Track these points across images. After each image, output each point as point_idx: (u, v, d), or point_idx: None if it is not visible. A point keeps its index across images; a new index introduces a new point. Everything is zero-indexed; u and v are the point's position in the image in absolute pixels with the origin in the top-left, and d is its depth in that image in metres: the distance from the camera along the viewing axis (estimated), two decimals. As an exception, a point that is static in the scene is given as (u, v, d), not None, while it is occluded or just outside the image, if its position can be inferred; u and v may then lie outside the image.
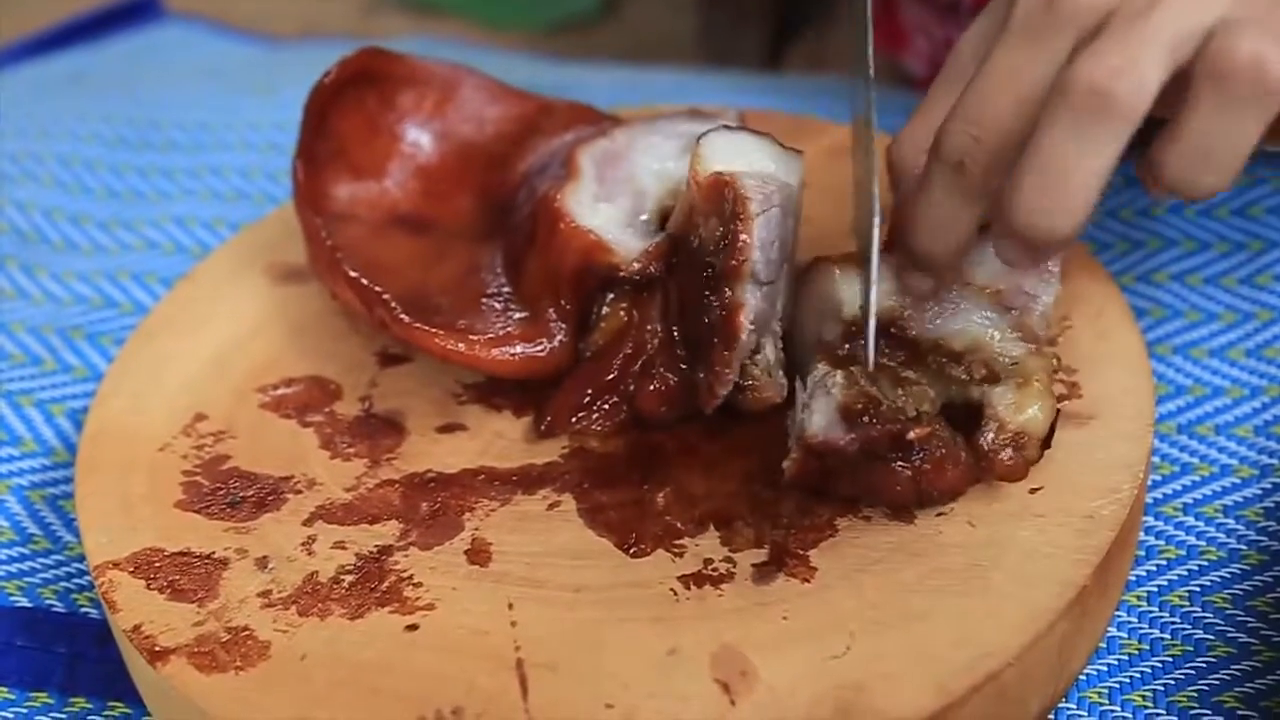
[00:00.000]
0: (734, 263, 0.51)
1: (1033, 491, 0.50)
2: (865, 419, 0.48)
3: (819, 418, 0.49)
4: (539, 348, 0.55)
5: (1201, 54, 0.44)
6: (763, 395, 0.52)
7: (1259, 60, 0.43)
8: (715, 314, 0.51)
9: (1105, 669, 0.51)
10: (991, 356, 0.50)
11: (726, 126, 0.53)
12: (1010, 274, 0.51)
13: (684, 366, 0.53)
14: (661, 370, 0.54)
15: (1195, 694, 0.50)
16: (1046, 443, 0.49)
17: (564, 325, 0.55)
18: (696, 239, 0.52)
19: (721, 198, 0.51)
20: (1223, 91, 0.44)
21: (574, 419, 0.54)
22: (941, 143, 0.47)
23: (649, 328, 0.54)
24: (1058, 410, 0.49)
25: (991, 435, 0.49)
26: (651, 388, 0.53)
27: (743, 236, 0.51)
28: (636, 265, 0.53)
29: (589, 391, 0.54)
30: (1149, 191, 0.49)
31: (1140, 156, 0.47)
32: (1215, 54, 0.44)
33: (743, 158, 0.52)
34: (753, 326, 0.51)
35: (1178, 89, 0.45)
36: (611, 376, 0.54)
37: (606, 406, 0.54)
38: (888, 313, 0.51)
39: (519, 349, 0.55)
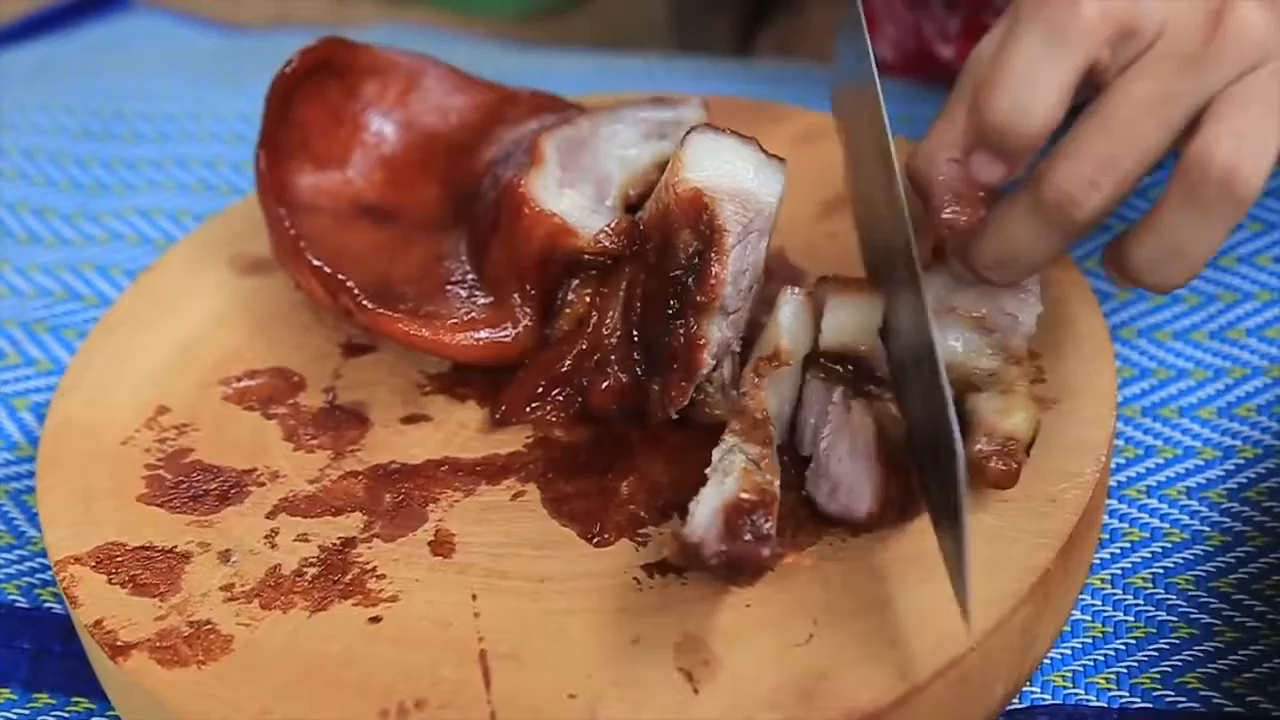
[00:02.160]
0: (703, 298, 0.51)
1: (995, 476, 0.50)
2: (744, 529, 0.45)
3: (704, 512, 0.45)
4: (504, 333, 0.55)
5: (1181, 159, 0.46)
6: (714, 412, 0.52)
7: (1231, 171, 0.45)
8: (678, 339, 0.51)
9: (1069, 652, 0.51)
10: (968, 372, 0.50)
11: (712, 128, 0.52)
12: (991, 297, 0.51)
13: (638, 370, 0.53)
14: (615, 369, 0.53)
15: (1159, 675, 0.50)
16: (1028, 450, 0.49)
17: (529, 310, 0.55)
18: (667, 243, 0.52)
19: (698, 219, 0.51)
20: (1195, 196, 0.46)
21: (528, 408, 0.54)
22: (1054, 183, 0.47)
23: (607, 323, 0.54)
24: (1039, 421, 0.49)
25: (982, 443, 0.48)
26: (604, 385, 0.53)
27: (715, 269, 0.50)
28: (598, 243, 0.53)
29: (543, 382, 0.54)
30: (1115, 282, 0.51)
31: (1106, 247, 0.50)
32: (1192, 159, 0.46)
33: (724, 166, 0.51)
34: (714, 361, 0.51)
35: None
36: (565, 369, 0.54)
37: (560, 398, 0.54)
38: (850, 350, 0.50)
39: (484, 334, 0.54)
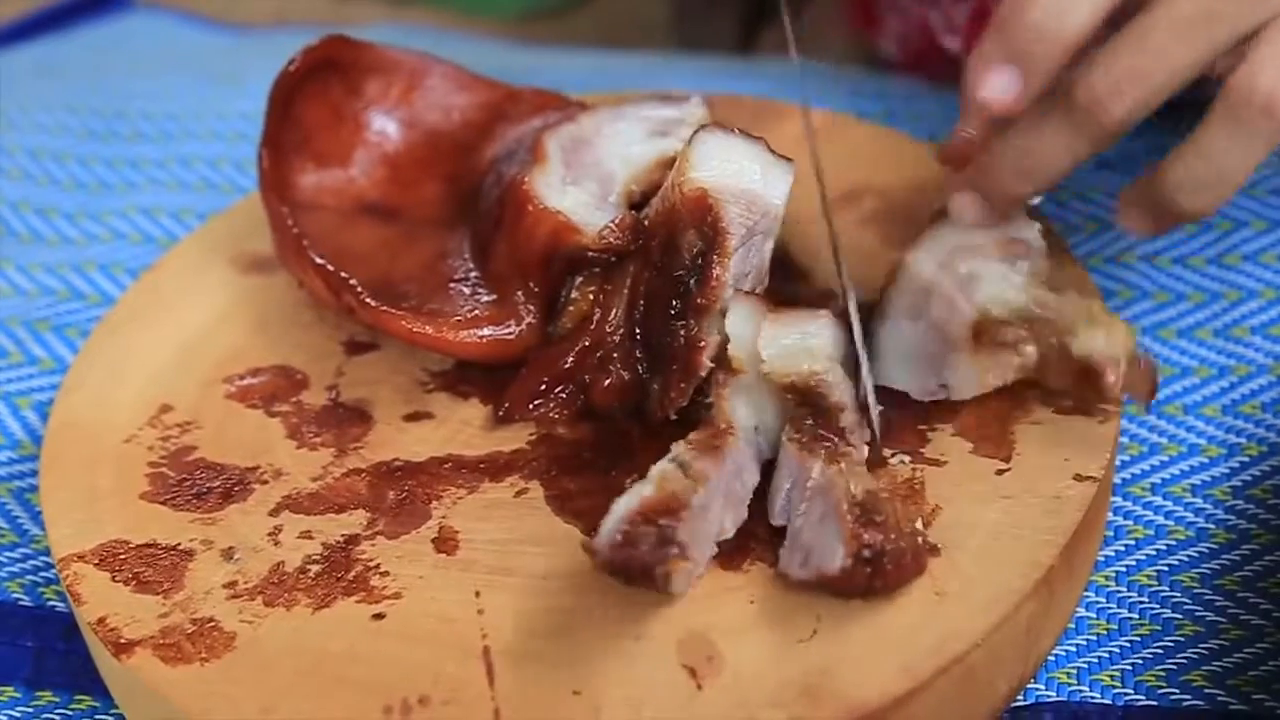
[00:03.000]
0: (703, 300, 0.51)
1: (1000, 473, 0.50)
2: (644, 537, 0.45)
3: (609, 521, 0.45)
4: (507, 330, 0.55)
5: (1227, 83, 0.46)
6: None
7: (1273, 97, 0.45)
8: (679, 340, 0.51)
9: (1074, 649, 0.51)
10: (1036, 317, 0.50)
11: (720, 126, 0.52)
12: (993, 231, 0.51)
13: (640, 368, 0.53)
14: (618, 366, 0.53)
15: (1163, 673, 0.50)
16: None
17: (532, 308, 0.55)
18: (672, 243, 0.52)
19: (703, 219, 0.51)
20: (1237, 120, 0.46)
21: (531, 406, 0.54)
22: (1089, 85, 0.46)
23: (610, 321, 0.54)
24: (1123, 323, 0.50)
25: (1114, 376, 0.49)
26: (607, 382, 0.53)
27: (717, 271, 0.50)
28: (603, 238, 0.53)
29: (546, 379, 0.54)
30: (1133, 226, 0.51)
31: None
32: (1236, 83, 0.46)
33: (731, 166, 0.51)
34: (713, 364, 0.51)
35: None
36: (567, 366, 0.54)
37: (563, 395, 0.54)
38: (800, 378, 0.50)
39: (487, 331, 0.54)
